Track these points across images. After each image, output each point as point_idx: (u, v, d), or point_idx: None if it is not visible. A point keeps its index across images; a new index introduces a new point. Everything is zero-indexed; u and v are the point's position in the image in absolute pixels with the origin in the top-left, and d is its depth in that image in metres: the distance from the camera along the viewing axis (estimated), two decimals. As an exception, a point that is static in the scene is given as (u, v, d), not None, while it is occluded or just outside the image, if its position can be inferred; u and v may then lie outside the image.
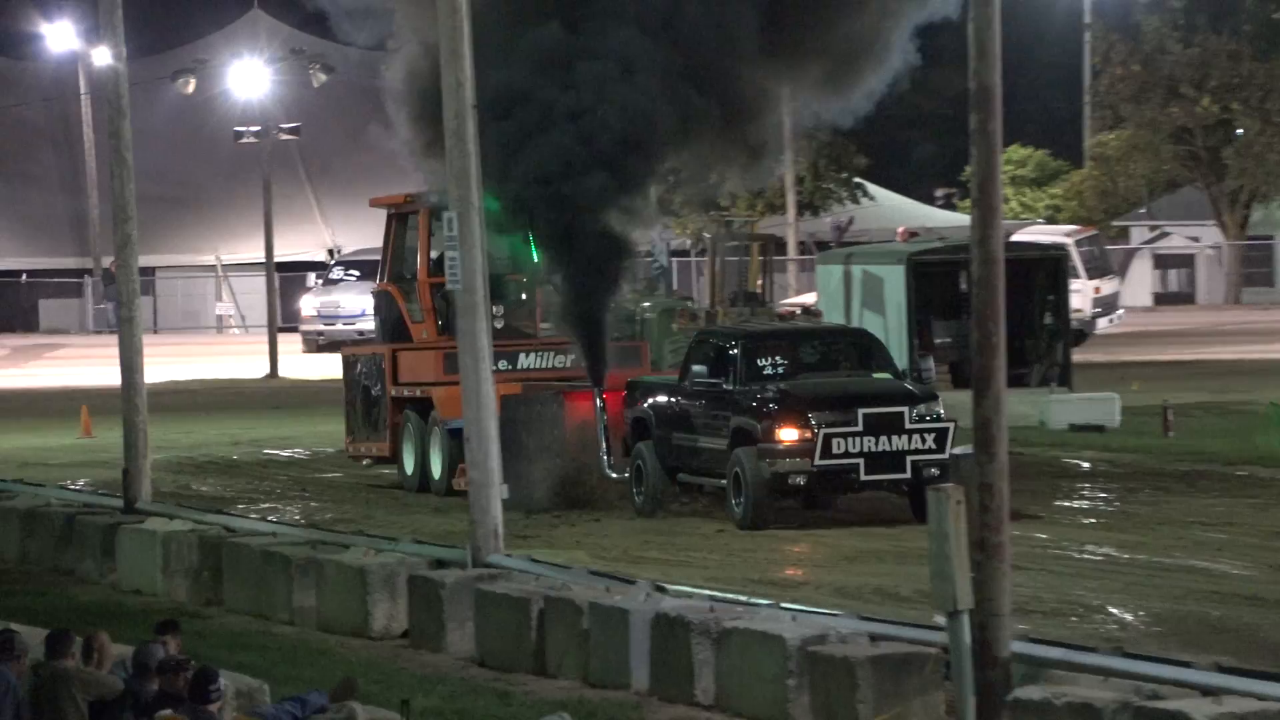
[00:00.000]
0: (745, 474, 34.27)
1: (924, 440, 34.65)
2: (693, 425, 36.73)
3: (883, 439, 34.64)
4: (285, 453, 62.03)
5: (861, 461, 34.49)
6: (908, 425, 34.86)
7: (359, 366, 45.87)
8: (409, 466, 42.78)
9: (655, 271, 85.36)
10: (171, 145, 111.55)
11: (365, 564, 34.44)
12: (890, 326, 62.99)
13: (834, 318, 67.64)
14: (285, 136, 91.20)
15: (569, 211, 39.72)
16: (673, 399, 37.37)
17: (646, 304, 75.10)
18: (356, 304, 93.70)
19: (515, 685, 29.80)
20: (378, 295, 46.55)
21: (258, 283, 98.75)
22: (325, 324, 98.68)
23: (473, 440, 33.76)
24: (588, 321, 39.74)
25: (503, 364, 39.84)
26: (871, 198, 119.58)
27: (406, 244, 45.39)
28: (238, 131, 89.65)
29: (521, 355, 42.80)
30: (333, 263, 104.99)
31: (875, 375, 36.88)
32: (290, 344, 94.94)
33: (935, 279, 61.43)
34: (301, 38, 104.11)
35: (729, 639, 27.68)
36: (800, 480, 34.15)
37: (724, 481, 35.34)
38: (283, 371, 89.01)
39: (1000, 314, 23.68)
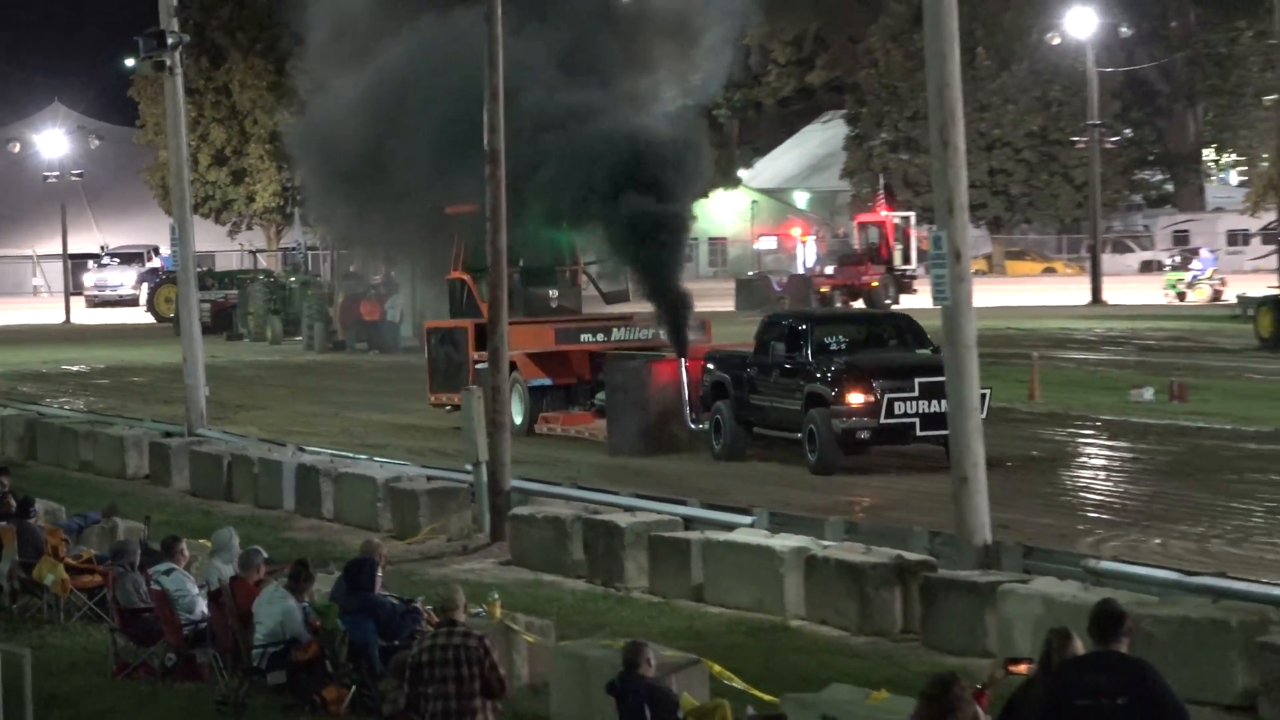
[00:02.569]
0: (819, 430, 34.17)
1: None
2: (769, 389, 36.41)
3: (933, 402, 32.95)
4: (75, 368, 72.46)
5: (917, 420, 33.81)
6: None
7: (441, 336, 43.98)
8: None
9: (299, 258, 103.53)
10: (4, 184, 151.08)
11: (123, 434, 41.78)
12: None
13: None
14: (74, 177, 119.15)
15: (657, 228, 39.63)
16: (749, 368, 37.14)
17: (293, 279, 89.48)
18: (117, 278, 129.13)
19: (213, 507, 34.94)
20: (452, 282, 44.58)
21: (58, 265, 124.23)
22: (98, 290, 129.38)
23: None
24: (673, 305, 39.52)
25: (600, 336, 41.75)
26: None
27: (471, 232, 41.30)
28: (45, 175, 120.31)
29: (614, 330, 41.94)
30: (104, 253, 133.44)
31: (919, 351, 36.04)
32: (77, 303, 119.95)
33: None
34: (85, 120, 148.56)
35: (342, 479, 33.42)
36: (865, 435, 33.81)
37: (799, 435, 35.03)
38: (74, 320, 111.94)
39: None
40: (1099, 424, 42.12)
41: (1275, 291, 63.59)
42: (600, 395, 40.21)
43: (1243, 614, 19.39)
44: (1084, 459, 38.01)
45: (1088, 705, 11.97)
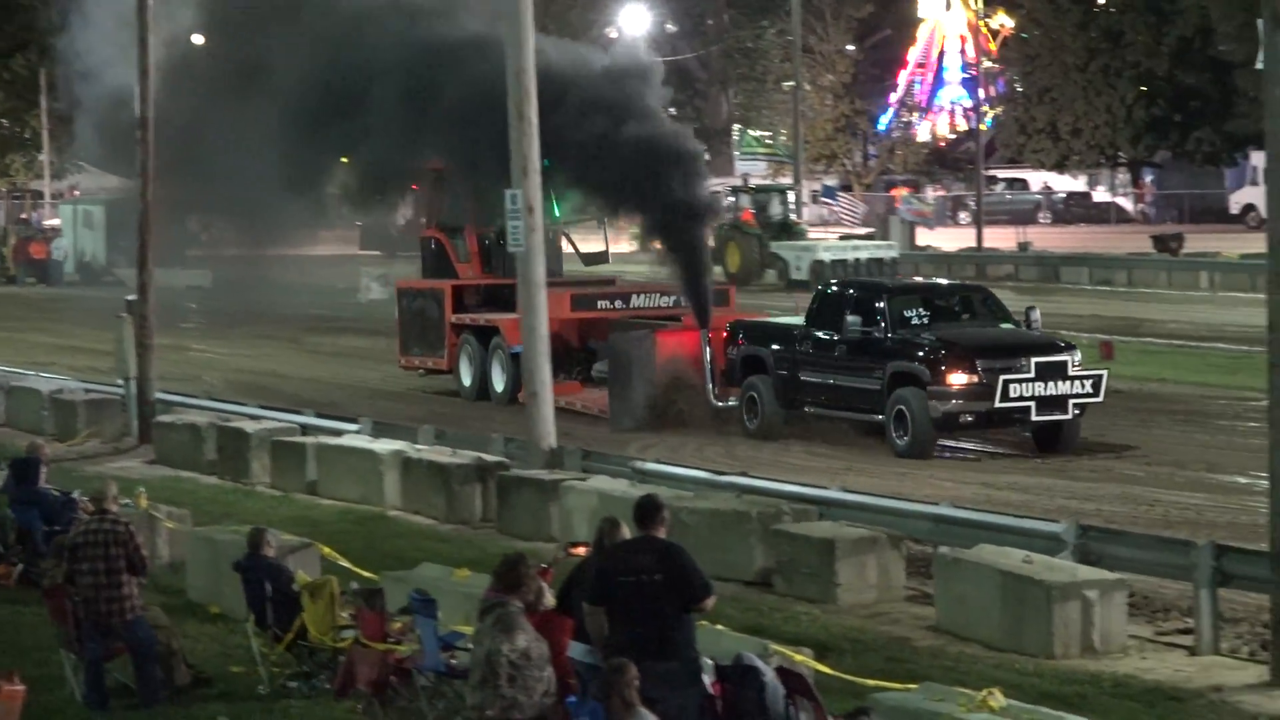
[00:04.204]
0: (912, 412, 26.09)
1: (1083, 385, 26.22)
2: (832, 366, 28.02)
3: (1050, 384, 26.22)
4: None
5: (1033, 404, 26.12)
6: (1070, 372, 26.35)
7: (414, 295, 35.74)
8: (467, 379, 33.35)
9: None
10: None
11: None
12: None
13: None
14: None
15: (671, 206, 30.61)
16: (801, 342, 28.65)
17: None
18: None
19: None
20: (424, 240, 36.77)
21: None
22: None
23: None
24: (695, 276, 30.68)
25: (618, 303, 32.75)
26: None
27: (447, 199, 35.85)
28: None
29: (634, 296, 32.85)
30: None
31: (1003, 325, 28.14)
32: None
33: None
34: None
35: (14, 391, 32.59)
36: (969, 419, 26.01)
37: (878, 416, 26.87)
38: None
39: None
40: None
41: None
42: (599, 366, 31.62)
43: (761, 507, 19.57)
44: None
45: (631, 580, 12.04)
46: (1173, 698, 14.76)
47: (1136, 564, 17.05)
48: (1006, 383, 25.62)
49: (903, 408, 26.29)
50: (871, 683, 13.52)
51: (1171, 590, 17.74)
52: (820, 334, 28.45)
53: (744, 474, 21.99)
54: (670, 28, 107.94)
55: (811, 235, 59.78)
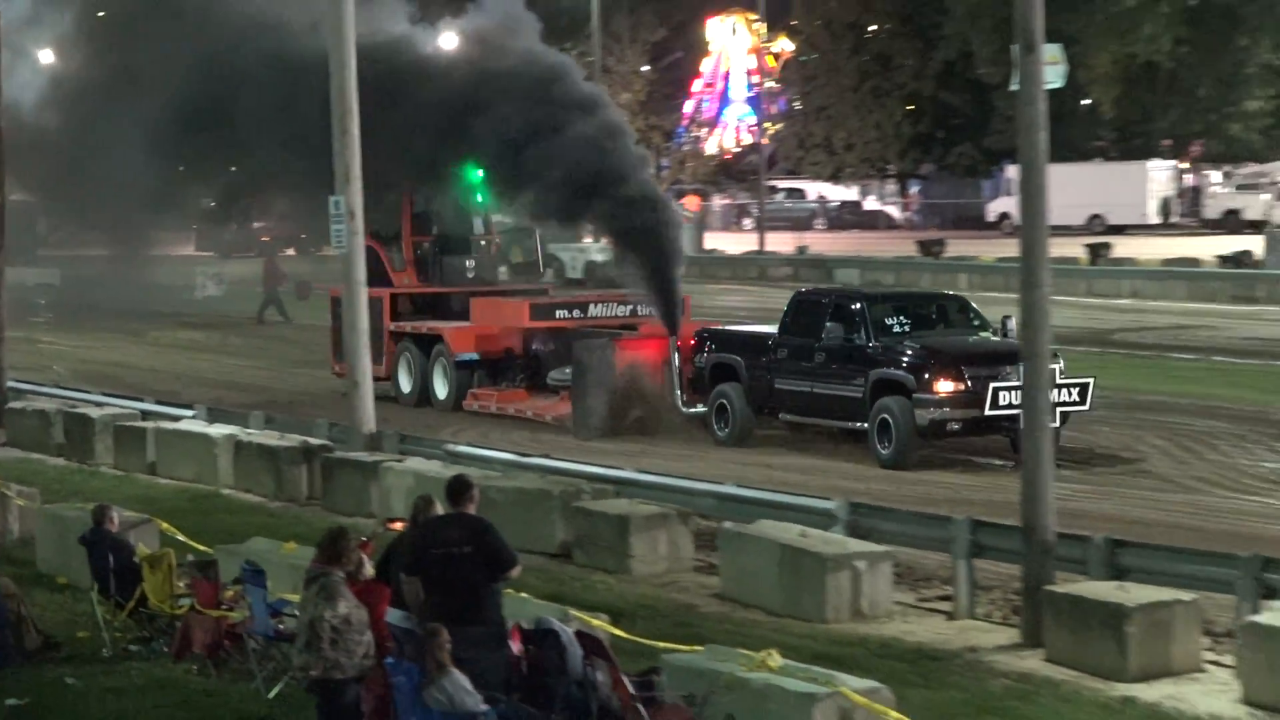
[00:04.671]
0: (896, 420, 23.82)
1: (1070, 393, 23.54)
2: (810, 374, 25.57)
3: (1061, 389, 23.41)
4: None
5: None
6: (1058, 380, 22.19)
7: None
8: (406, 386, 31.04)
9: None
10: None
11: None
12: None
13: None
14: None
15: (639, 213, 28.26)
16: (776, 350, 26.28)
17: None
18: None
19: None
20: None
21: None
22: None
23: None
24: (664, 285, 28.02)
25: (575, 312, 29.85)
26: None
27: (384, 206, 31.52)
28: None
29: (591, 305, 29.96)
30: None
31: (981, 334, 25.66)
32: None
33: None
34: None
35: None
36: (957, 426, 23.66)
37: (859, 425, 24.60)
38: None
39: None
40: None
41: None
42: (554, 374, 28.82)
43: (563, 485, 19.63)
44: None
45: (442, 553, 12.01)
46: (932, 658, 14.94)
47: (901, 537, 17.26)
48: (996, 390, 23.13)
49: (886, 416, 24.10)
50: (663, 645, 13.54)
51: (932, 561, 17.94)
52: (797, 341, 26.10)
53: (546, 456, 22.05)
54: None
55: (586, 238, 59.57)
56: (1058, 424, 22.43)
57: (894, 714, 12.04)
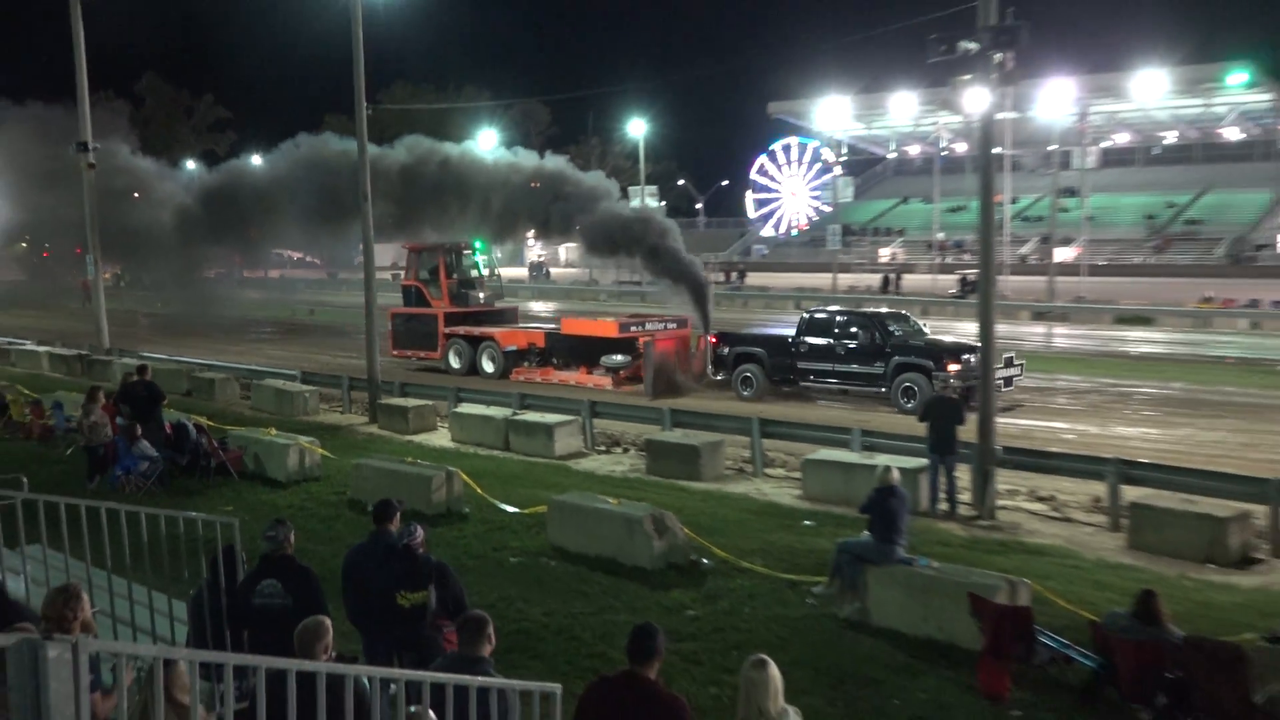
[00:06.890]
0: (920, 387, 32.44)
1: (1014, 366, 33.77)
2: (829, 357, 34.61)
3: (1010, 369, 33.46)
4: None
5: (1002, 382, 32.66)
6: (1014, 361, 34.03)
7: (408, 317, 44.87)
8: (456, 365, 42.58)
9: None
10: None
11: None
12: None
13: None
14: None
15: (661, 248, 40.79)
16: (798, 346, 35.33)
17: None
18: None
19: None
20: (406, 288, 45.70)
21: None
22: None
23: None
24: (699, 297, 39.96)
25: (637, 326, 40.28)
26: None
27: (424, 262, 45.43)
28: None
29: (647, 324, 40.51)
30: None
31: (933, 336, 35.92)
32: None
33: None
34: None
35: None
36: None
37: (881, 389, 33.57)
38: None
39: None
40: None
41: None
42: (606, 359, 39.03)
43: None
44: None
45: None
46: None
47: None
48: (971, 366, 31.15)
49: (910, 384, 32.78)
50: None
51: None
52: (812, 340, 35.12)
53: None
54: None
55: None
56: (1005, 387, 32.81)
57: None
